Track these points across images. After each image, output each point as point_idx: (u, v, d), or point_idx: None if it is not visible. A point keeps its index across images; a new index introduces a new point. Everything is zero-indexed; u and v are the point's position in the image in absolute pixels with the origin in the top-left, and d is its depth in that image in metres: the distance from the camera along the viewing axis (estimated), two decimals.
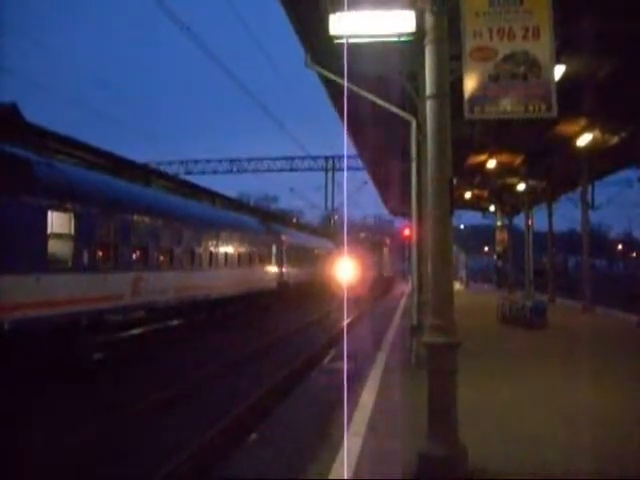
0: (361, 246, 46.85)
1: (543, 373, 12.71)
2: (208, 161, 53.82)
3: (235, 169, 54.37)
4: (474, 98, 7.20)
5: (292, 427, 9.72)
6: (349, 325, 23.52)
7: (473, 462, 6.45)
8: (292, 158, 54.03)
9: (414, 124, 14.27)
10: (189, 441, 9.79)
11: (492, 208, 46.54)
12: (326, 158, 54.27)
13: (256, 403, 12.49)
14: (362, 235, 54.82)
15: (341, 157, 52.38)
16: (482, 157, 26.42)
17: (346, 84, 12.16)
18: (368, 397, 10.41)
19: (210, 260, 24.82)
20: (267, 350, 20.03)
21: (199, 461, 9.25)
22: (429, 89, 6.97)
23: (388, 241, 62.96)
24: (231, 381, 14.88)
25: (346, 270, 34.80)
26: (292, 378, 14.92)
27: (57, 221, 14.55)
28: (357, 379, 11.73)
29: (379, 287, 49.21)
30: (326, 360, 16.58)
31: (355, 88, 14.90)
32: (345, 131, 20.84)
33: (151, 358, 17.14)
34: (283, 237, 38.01)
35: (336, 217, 60.34)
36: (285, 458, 7.78)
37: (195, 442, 9.79)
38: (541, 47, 7.11)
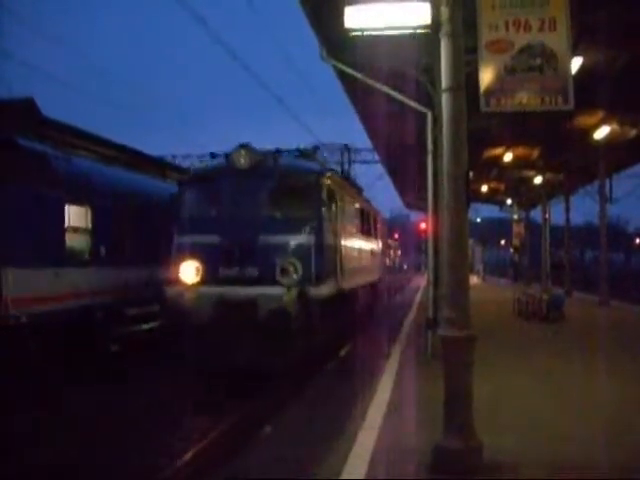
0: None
1: (563, 367, 12.57)
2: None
3: None
4: (490, 91, 7.18)
5: None
6: None
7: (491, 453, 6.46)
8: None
9: (430, 117, 14.22)
10: None
11: (509, 201, 46.34)
12: (341, 150, 54.01)
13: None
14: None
15: (357, 149, 52.02)
16: (499, 150, 26.33)
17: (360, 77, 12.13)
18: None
19: None
20: None
21: None
22: (445, 82, 6.93)
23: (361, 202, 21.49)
24: None
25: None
26: None
27: (74, 215, 14.62)
28: None
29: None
30: None
31: (370, 81, 14.91)
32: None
33: None
34: None
35: None
36: None
37: None
38: (557, 39, 7.08)
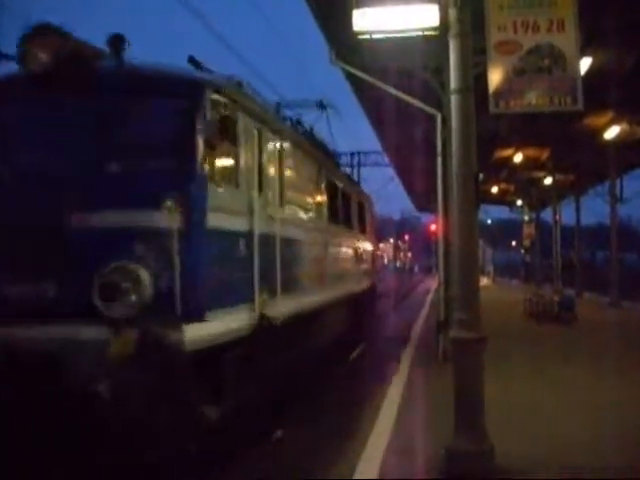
0: None
1: (574, 371, 12.38)
2: None
3: None
4: (499, 92, 7.18)
5: None
6: None
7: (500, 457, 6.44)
8: None
9: (439, 119, 14.19)
10: None
11: (519, 202, 46.22)
12: (352, 154, 53.98)
13: None
14: None
15: (367, 153, 51.89)
16: (508, 151, 26.26)
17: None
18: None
19: None
20: None
21: None
22: (453, 83, 6.92)
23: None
24: None
25: None
26: None
27: None
28: None
29: None
30: None
31: (379, 83, 14.91)
32: None
33: None
34: None
35: None
36: None
37: None
38: (566, 39, 7.08)
